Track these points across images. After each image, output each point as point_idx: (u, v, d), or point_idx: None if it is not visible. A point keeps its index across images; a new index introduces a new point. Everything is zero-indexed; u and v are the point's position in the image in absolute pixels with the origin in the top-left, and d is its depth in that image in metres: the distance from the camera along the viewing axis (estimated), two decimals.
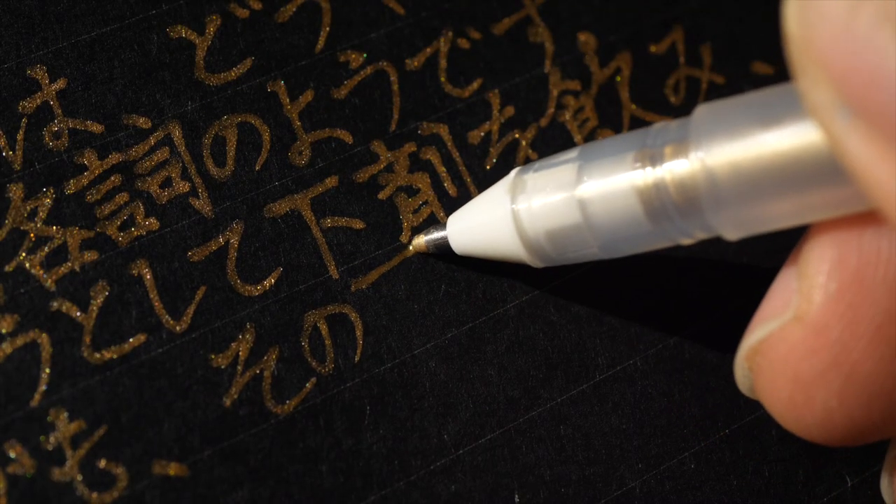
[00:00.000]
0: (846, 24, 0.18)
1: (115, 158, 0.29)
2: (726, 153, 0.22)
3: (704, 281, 0.31)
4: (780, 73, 0.34)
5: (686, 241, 0.25)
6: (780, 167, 0.21)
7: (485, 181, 0.31)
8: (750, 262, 0.32)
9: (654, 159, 0.24)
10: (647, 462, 0.30)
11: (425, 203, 0.30)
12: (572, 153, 0.26)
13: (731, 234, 0.24)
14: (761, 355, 0.25)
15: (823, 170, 0.21)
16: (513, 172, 0.28)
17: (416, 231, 0.30)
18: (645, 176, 0.24)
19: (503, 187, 0.28)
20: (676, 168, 0.23)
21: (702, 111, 0.24)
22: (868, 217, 0.22)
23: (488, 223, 0.28)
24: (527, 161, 0.31)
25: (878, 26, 0.18)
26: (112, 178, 0.28)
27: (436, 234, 0.30)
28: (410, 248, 0.30)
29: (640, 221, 0.25)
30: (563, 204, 0.26)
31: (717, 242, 0.31)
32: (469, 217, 0.29)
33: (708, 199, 0.23)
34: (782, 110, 0.22)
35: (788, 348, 0.24)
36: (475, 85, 0.31)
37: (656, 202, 0.24)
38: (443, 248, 0.30)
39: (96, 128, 0.29)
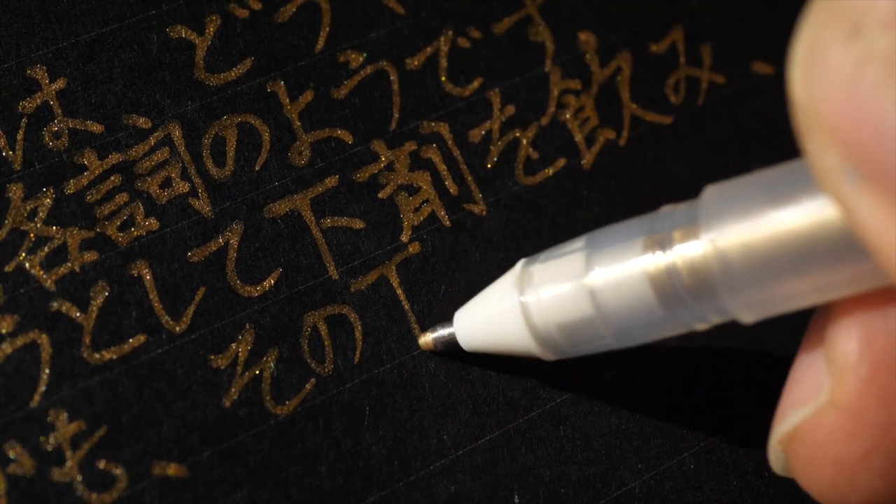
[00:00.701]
0: (852, 82, 0.18)
1: (114, 158, 0.29)
2: (737, 234, 0.22)
3: None
4: (781, 72, 0.33)
5: (701, 327, 0.24)
6: (795, 245, 0.21)
7: (486, 179, 0.31)
8: None
9: (664, 244, 0.23)
10: (646, 462, 0.30)
11: (426, 202, 0.30)
12: (578, 242, 0.26)
13: (747, 316, 0.23)
14: (797, 441, 0.24)
15: (839, 245, 0.21)
16: (519, 264, 0.27)
17: (417, 230, 0.30)
18: (656, 261, 0.24)
19: (510, 280, 0.27)
20: (687, 252, 0.23)
21: (710, 193, 0.23)
22: (891, 291, 0.22)
23: (496, 317, 0.27)
24: (528, 160, 0.31)
25: (883, 83, 0.18)
26: (112, 179, 0.28)
27: (443, 332, 0.29)
28: (419, 343, 0.29)
29: (653, 308, 0.24)
30: (573, 294, 0.25)
31: None
32: (476, 312, 0.28)
33: (721, 282, 0.22)
34: (792, 187, 0.21)
35: (826, 434, 0.23)
36: (476, 84, 0.31)
37: (668, 288, 0.23)
38: (451, 346, 0.29)
39: (96, 128, 0.29)
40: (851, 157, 0.18)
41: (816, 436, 0.24)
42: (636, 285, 0.24)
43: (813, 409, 0.24)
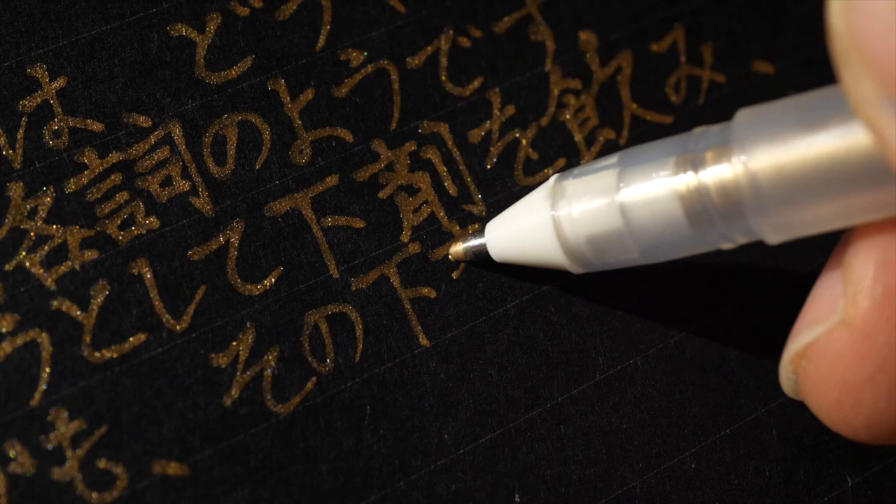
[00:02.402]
0: (893, 15, 0.18)
1: (115, 157, 0.29)
2: (769, 157, 0.22)
3: (705, 281, 0.31)
4: (781, 71, 0.34)
5: (727, 246, 0.25)
6: (825, 169, 0.22)
7: (485, 180, 0.31)
8: (750, 264, 0.32)
9: (696, 164, 0.24)
10: (647, 462, 0.30)
11: (426, 202, 0.30)
12: (612, 159, 0.26)
13: (773, 237, 0.24)
14: (807, 359, 0.25)
15: (868, 171, 0.21)
16: (552, 178, 0.28)
17: (417, 230, 0.30)
18: (687, 180, 0.24)
19: (542, 193, 0.28)
20: (719, 172, 0.23)
21: (743, 115, 0.24)
22: None
23: (528, 229, 0.28)
24: (527, 160, 0.31)
25: None
26: (112, 177, 0.28)
27: (474, 241, 0.30)
28: (449, 255, 0.30)
29: (682, 226, 0.25)
30: (604, 209, 0.26)
31: None
32: (508, 223, 0.29)
33: (751, 203, 0.23)
34: (825, 112, 0.22)
35: (835, 353, 0.24)
36: (476, 83, 0.31)
37: (698, 207, 0.24)
38: (481, 256, 0.30)
39: (96, 126, 0.29)
40: (888, 88, 0.19)
41: (826, 354, 0.24)
42: (666, 203, 0.25)
43: (825, 328, 0.24)
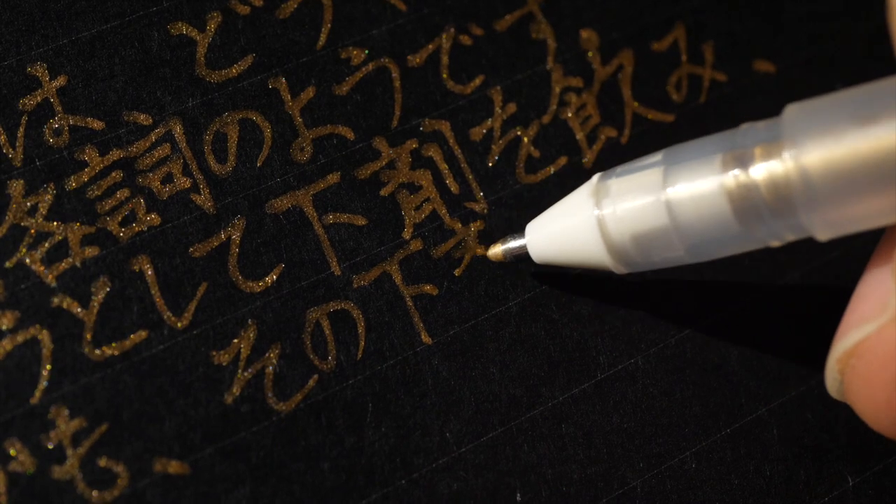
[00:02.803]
0: None
1: (115, 155, 0.28)
2: (821, 151, 0.22)
3: (705, 280, 0.31)
4: (782, 71, 0.34)
5: (775, 244, 0.25)
6: (878, 163, 0.22)
7: (487, 178, 0.31)
8: (751, 263, 0.32)
9: (744, 160, 0.24)
10: (648, 461, 0.30)
11: (427, 200, 0.30)
12: (656, 157, 0.26)
13: (823, 234, 0.24)
14: (857, 358, 0.25)
15: None
16: (595, 177, 0.28)
17: (419, 228, 0.30)
18: (735, 176, 0.24)
19: (585, 192, 0.27)
20: (769, 168, 0.23)
21: (792, 110, 0.24)
22: None
23: (571, 229, 0.28)
24: (529, 158, 0.31)
25: None
26: (113, 174, 0.28)
27: (514, 243, 0.30)
28: (488, 257, 0.30)
29: (729, 223, 0.25)
30: (650, 207, 0.26)
31: None
32: (550, 224, 0.28)
33: (802, 199, 0.23)
34: (877, 106, 0.22)
35: (887, 350, 0.24)
36: (477, 81, 0.31)
37: (746, 203, 0.24)
38: (521, 257, 0.29)
39: (97, 124, 0.29)
40: None
41: (877, 353, 0.24)
42: (714, 199, 0.25)
43: (876, 325, 0.24)
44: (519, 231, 0.30)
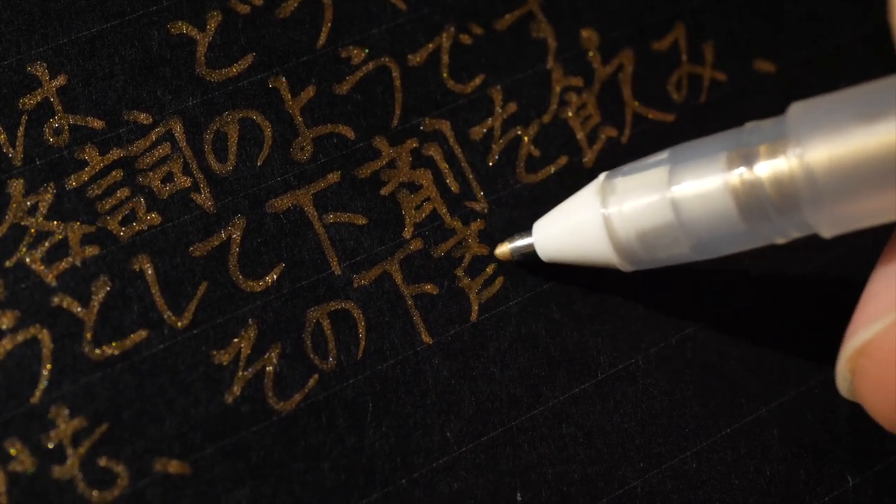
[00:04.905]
0: None
1: (116, 154, 0.28)
2: (826, 149, 0.22)
3: (706, 280, 0.31)
4: (782, 70, 0.34)
5: (780, 241, 0.25)
6: (883, 161, 0.22)
7: (487, 178, 0.31)
8: (751, 263, 0.32)
9: (749, 158, 0.24)
10: (648, 461, 0.30)
11: (427, 199, 0.30)
12: (662, 155, 0.26)
13: (828, 231, 0.24)
14: (866, 357, 0.25)
15: None
16: (601, 176, 0.28)
17: (419, 227, 0.30)
18: (740, 174, 0.24)
19: (591, 191, 0.28)
20: (773, 166, 0.24)
21: (797, 108, 0.24)
22: None
23: (577, 227, 0.28)
24: (529, 158, 0.31)
25: None
26: (113, 174, 0.28)
27: (521, 242, 0.30)
28: (496, 255, 0.30)
29: (735, 221, 0.25)
30: (655, 205, 0.26)
31: None
32: (557, 222, 0.29)
33: (807, 197, 0.23)
34: (882, 104, 0.22)
35: None
36: (477, 81, 0.31)
37: (752, 201, 0.24)
38: (528, 256, 0.30)
39: (97, 124, 0.29)
40: None
41: (886, 351, 0.24)
42: (719, 197, 0.25)
43: (885, 323, 0.24)
44: (523, 230, 0.30)
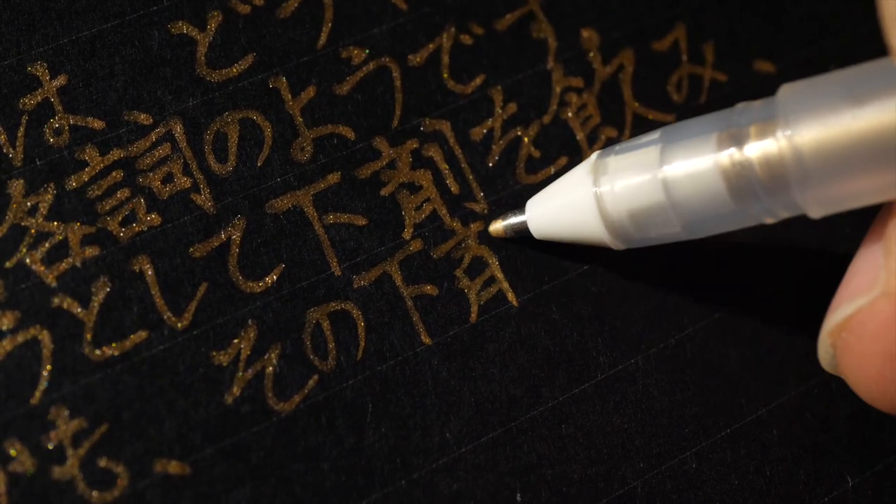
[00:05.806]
0: None
1: (116, 154, 0.28)
2: (814, 130, 0.23)
3: (705, 280, 0.31)
4: (782, 70, 0.34)
5: (769, 220, 0.25)
6: (870, 143, 0.22)
7: (487, 178, 0.31)
8: (753, 261, 0.32)
9: (739, 139, 0.24)
10: (648, 461, 0.30)
11: (427, 200, 0.30)
12: (654, 135, 0.27)
13: (816, 211, 0.24)
14: (848, 331, 0.25)
15: None
16: (593, 155, 0.28)
17: (419, 228, 0.30)
18: (730, 155, 0.24)
19: (584, 170, 0.28)
20: (763, 147, 0.24)
21: (787, 90, 0.24)
22: None
23: (570, 205, 0.28)
24: (529, 158, 0.31)
25: None
26: (113, 174, 0.28)
27: (514, 219, 0.30)
28: (489, 232, 0.30)
29: (724, 201, 0.25)
30: (647, 184, 0.26)
31: (722, 240, 0.31)
32: (549, 200, 0.29)
33: (795, 177, 0.23)
34: (870, 86, 0.22)
35: (878, 324, 0.24)
36: (478, 81, 0.31)
37: (741, 181, 0.24)
38: (521, 233, 0.30)
39: (97, 124, 0.29)
40: None
41: (868, 326, 0.25)
42: (709, 177, 0.25)
43: (867, 300, 0.24)
44: (519, 208, 0.30)
